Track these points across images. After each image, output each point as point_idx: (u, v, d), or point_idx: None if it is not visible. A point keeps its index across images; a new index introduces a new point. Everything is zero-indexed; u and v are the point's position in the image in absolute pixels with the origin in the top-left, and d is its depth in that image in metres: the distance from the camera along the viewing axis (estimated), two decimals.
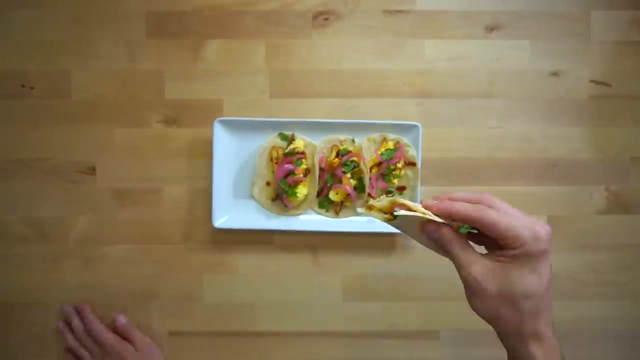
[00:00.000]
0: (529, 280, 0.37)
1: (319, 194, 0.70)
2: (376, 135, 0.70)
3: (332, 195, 0.69)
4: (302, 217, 0.71)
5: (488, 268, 0.39)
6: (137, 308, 0.72)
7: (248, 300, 0.72)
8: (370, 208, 0.43)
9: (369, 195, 0.69)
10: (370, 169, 0.69)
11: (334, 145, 0.70)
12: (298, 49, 0.72)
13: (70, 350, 0.70)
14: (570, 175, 0.72)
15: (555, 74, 0.72)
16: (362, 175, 0.68)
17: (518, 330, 0.38)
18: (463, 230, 0.43)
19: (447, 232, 0.41)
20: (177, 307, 0.72)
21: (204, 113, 0.71)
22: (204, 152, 0.71)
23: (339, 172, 0.68)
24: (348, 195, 0.68)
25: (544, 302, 0.38)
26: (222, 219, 0.69)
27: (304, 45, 0.72)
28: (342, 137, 0.70)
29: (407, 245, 0.72)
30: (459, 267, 0.40)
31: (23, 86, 0.71)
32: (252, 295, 0.72)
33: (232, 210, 0.71)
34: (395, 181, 0.69)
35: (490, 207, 0.39)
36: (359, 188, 0.68)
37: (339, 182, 0.69)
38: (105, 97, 0.71)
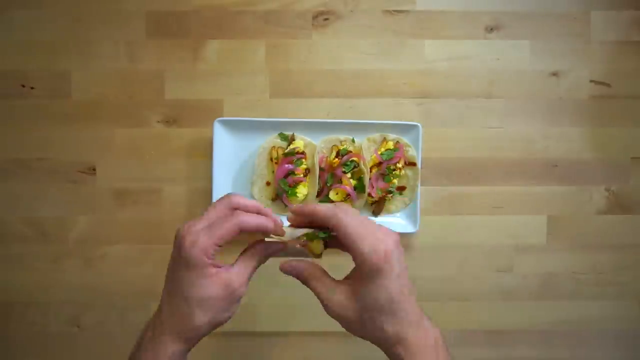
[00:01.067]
0: (376, 296, 0.39)
1: (318, 194, 0.70)
2: (376, 135, 0.70)
3: (332, 195, 0.69)
4: None
5: (345, 295, 0.41)
6: (137, 308, 0.72)
7: (248, 300, 0.72)
8: None
9: (369, 195, 0.69)
10: (370, 169, 0.69)
11: (334, 145, 0.70)
12: (298, 49, 0.72)
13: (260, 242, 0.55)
14: (570, 175, 0.72)
15: (555, 74, 0.72)
16: (362, 175, 0.68)
17: (384, 338, 0.40)
18: (321, 235, 0.44)
19: (302, 269, 0.44)
20: None
21: (204, 113, 0.71)
22: (204, 152, 0.71)
23: (339, 172, 0.68)
24: (348, 195, 0.68)
25: (396, 307, 0.39)
26: None
27: (304, 45, 0.72)
28: (342, 137, 0.70)
29: (407, 245, 0.72)
30: (320, 300, 0.43)
31: (23, 86, 0.71)
32: (252, 295, 0.72)
33: None
34: (395, 181, 0.69)
35: (347, 213, 0.40)
36: (359, 188, 0.68)
37: (339, 182, 0.69)
38: (105, 97, 0.71)
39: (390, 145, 0.69)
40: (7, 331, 0.72)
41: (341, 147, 0.69)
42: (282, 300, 0.72)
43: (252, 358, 0.72)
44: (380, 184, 0.69)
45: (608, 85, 0.72)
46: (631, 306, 0.73)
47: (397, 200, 0.70)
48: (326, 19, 0.72)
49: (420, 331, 0.41)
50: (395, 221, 0.70)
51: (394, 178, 0.68)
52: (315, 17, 0.72)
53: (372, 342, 0.42)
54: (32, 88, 0.71)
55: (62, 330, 0.72)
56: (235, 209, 0.42)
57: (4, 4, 0.71)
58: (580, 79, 0.72)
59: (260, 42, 0.72)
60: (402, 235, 0.71)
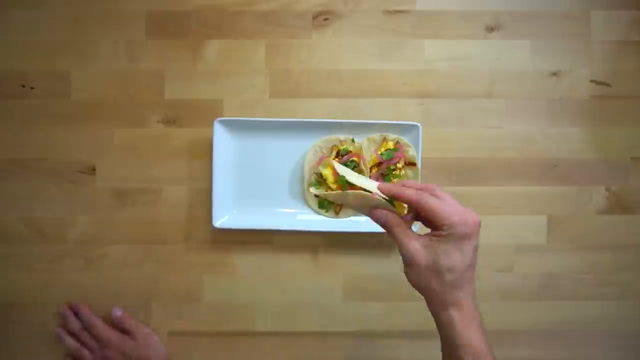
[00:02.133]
0: (452, 256, 0.44)
1: None
2: (376, 135, 0.70)
3: None
4: (302, 217, 0.71)
5: (422, 245, 0.45)
6: (137, 308, 0.72)
7: (248, 300, 0.72)
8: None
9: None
10: (370, 169, 0.69)
11: (334, 145, 0.70)
12: (298, 49, 0.72)
13: (69, 356, 0.70)
14: (570, 176, 0.72)
15: (555, 74, 0.72)
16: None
17: (442, 297, 0.45)
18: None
19: (390, 217, 0.47)
20: (177, 307, 0.72)
21: (204, 113, 0.71)
22: (204, 152, 0.71)
23: None
24: None
25: (465, 275, 0.45)
26: (222, 219, 0.69)
27: (304, 45, 0.72)
28: (342, 137, 0.70)
29: None
30: (398, 245, 0.46)
31: (23, 86, 0.71)
32: (252, 295, 0.72)
33: (232, 210, 0.71)
34: (395, 181, 0.69)
35: (433, 195, 0.45)
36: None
37: None
38: (105, 97, 0.71)
39: (390, 145, 0.69)
40: (7, 331, 0.72)
41: (341, 147, 0.69)
42: (282, 300, 0.72)
43: (252, 358, 0.72)
44: None
45: (608, 85, 0.72)
46: (632, 306, 0.73)
47: None
48: (326, 19, 0.72)
49: (473, 304, 0.45)
50: None
51: (394, 178, 0.68)
52: (315, 17, 0.72)
53: (425, 294, 0.46)
54: (32, 88, 0.71)
55: None
56: None
57: (4, 4, 0.71)
58: (580, 79, 0.72)
59: (260, 42, 0.72)
60: None
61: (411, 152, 0.69)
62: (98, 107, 0.71)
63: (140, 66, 0.71)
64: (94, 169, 0.72)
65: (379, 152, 0.69)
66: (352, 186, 0.50)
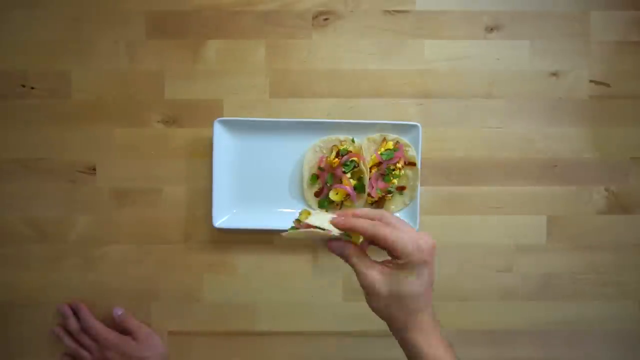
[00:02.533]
0: (411, 284, 0.45)
1: (318, 193, 0.70)
2: (376, 135, 0.70)
3: (332, 195, 0.69)
4: None
5: (381, 273, 0.46)
6: (137, 308, 0.72)
7: (248, 300, 0.72)
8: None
9: (369, 195, 0.69)
10: (370, 169, 0.69)
11: (334, 145, 0.70)
12: (298, 49, 0.72)
13: (68, 355, 0.70)
14: (570, 175, 0.72)
15: (555, 74, 0.72)
16: (362, 175, 0.68)
17: (403, 322, 0.47)
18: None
19: (346, 248, 0.48)
20: (177, 307, 0.72)
21: (204, 113, 0.71)
22: (204, 152, 0.71)
23: (338, 172, 0.68)
24: (348, 195, 0.68)
25: (424, 298, 0.46)
26: (222, 219, 0.69)
27: (304, 45, 0.72)
28: (342, 137, 0.70)
29: None
30: (358, 275, 0.47)
31: (23, 86, 0.71)
32: (252, 295, 0.72)
33: (232, 210, 0.71)
34: (395, 181, 0.69)
35: (386, 224, 0.46)
36: (359, 188, 0.68)
37: (339, 182, 0.69)
38: (105, 97, 0.71)
39: (390, 145, 0.69)
40: (7, 331, 0.72)
41: (341, 147, 0.69)
42: (282, 300, 0.72)
43: (252, 358, 0.72)
44: (380, 184, 0.69)
45: (608, 85, 0.72)
46: (631, 306, 0.73)
47: (397, 200, 0.70)
48: (326, 19, 0.72)
49: (432, 319, 0.47)
50: None
51: (393, 178, 0.68)
52: (315, 17, 0.72)
53: (387, 321, 0.48)
54: (32, 88, 0.71)
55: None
56: None
57: (4, 4, 0.71)
58: (580, 79, 0.72)
59: (260, 42, 0.72)
60: None
61: (411, 152, 0.69)
62: (98, 107, 0.71)
63: (140, 66, 0.71)
64: (94, 169, 0.72)
65: (379, 152, 0.69)
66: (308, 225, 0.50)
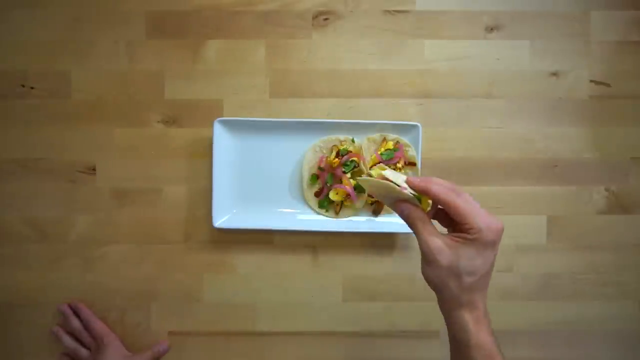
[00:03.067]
0: (475, 261, 0.44)
1: (318, 193, 0.70)
2: (376, 135, 0.70)
3: (332, 195, 0.69)
4: (302, 217, 0.71)
5: (444, 244, 0.45)
6: (137, 308, 0.72)
7: (248, 300, 0.72)
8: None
9: (369, 195, 0.69)
10: (370, 168, 0.69)
11: (334, 145, 0.70)
12: (298, 49, 0.72)
13: (66, 354, 0.70)
14: (570, 175, 0.72)
15: (555, 74, 0.72)
16: (362, 175, 0.68)
17: (457, 298, 0.45)
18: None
19: (415, 211, 0.47)
20: (177, 307, 0.72)
21: (204, 113, 0.71)
22: (204, 152, 0.71)
23: (338, 172, 0.68)
24: (348, 195, 0.68)
25: (483, 280, 0.45)
26: (222, 219, 0.69)
27: (304, 45, 0.72)
28: (342, 137, 0.70)
29: (407, 245, 0.72)
30: (420, 239, 0.46)
31: (23, 86, 0.71)
32: (252, 295, 0.72)
33: (232, 210, 0.71)
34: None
35: (459, 195, 0.45)
36: (359, 188, 0.68)
37: (339, 182, 0.69)
38: (105, 97, 0.71)
39: (390, 145, 0.69)
40: (7, 331, 0.72)
41: (341, 147, 0.69)
42: (282, 300, 0.72)
43: (252, 358, 0.72)
44: None
45: (608, 85, 0.72)
46: (631, 306, 0.73)
47: None
48: (326, 19, 0.72)
49: (485, 306, 0.46)
50: (395, 221, 0.70)
51: None
52: (315, 17, 0.72)
53: (439, 292, 0.46)
54: (32, 88, 0.71)
55: None
56: None
57: (4, 4, 0.71)
58: (580, 79, 0.72)
59: (260, 42, 0.72)
60: (402, 235, 0.72)
61: (411, 152, 0.69)
62: (98, 107, 0.71)
63: (140, 66, 0.71)
64: (94, 169, 0.72)
65: (379, 152, 0.69)
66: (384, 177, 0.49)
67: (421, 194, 0.47)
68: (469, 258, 0.44)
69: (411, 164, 0.69)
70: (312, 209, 0.71)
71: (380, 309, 0.72)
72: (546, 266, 0.73)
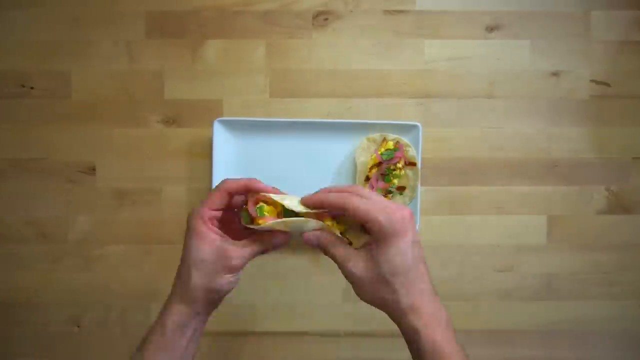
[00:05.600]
0: (392, 260, 0.40)
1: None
2: (376, 135, 0.70)
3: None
4: None
5: (361, 259, 0.42)
6: (137, 308, 0.72)
7: (248, 300, 0.72)
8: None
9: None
10: (370, 169, 0.69)
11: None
12: (298, 48, 0.72)
13: None
14: (570, 175, 0.72)
15: (555, 74, 0.72)
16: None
17: (396, 306, 0.41)
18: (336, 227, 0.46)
19: (322, 237, 0.45)
20: None
21: (204, 113, 0.71)
22: (204, 152, 0.71)
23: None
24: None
25: (412, 275, 0.41)
26: None
27: (304, 45, 0.72)
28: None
29: None
30: (339, 265, 0.44)
31: (23, 86, 0.71)
32: (252, 295, 0.72)
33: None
34: (396, 181, 0.69)
35: (357, 195, 0.42)
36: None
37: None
38: (105, 97, 0.71)
39: (390, 145, 0.69)
40: (7, 331, 0.72)
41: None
42: (282, 300, 0.72)
43: (252, 358, 0.72)
44: (380, 184, 0.69)
45: (608, 85, 0.72)
46: (632, 306, 0.73)
47: (397, 201, 0.70)
48: (326, 19, 0.72)
49: (434, 303, 0.42)
50: None
51: (394, 178, 0.68)
52: (315, 17, 0.72)
53: (382, 309, 0.43)
54: (32, 88, 0.71)
55: (62, 330, 0.72)
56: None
57: (4, 4, 0.71)
58: (580, 79, 0.72)
59: (260, 42, 0.71)
60: None
61: (411, 152, 0.69)
62: (98, 107, 0.71)
63: (140, 66, 0.71)
64: (93, 169, 0.72)
65: (379, 152, 0.69)
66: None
67: (317, 208, 0.44)
68: (385, 260, 0.40)
69: (411, 164, 0.69)
70: None
71: None
72: (546, 266, 0.72)
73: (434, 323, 0.41)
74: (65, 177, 0.71)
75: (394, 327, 0.74)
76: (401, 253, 0.40)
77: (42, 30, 0.71)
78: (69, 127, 0.71)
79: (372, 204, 0.41)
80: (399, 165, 0.68)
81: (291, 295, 0.72)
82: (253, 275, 0.72)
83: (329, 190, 0.44)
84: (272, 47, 0.72)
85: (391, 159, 0.68)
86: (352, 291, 0.72)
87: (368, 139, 0.70)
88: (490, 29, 0.72)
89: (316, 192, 0.44)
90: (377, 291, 0.42)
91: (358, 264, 0.42)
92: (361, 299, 0.44)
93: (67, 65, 0.71)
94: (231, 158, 0.70)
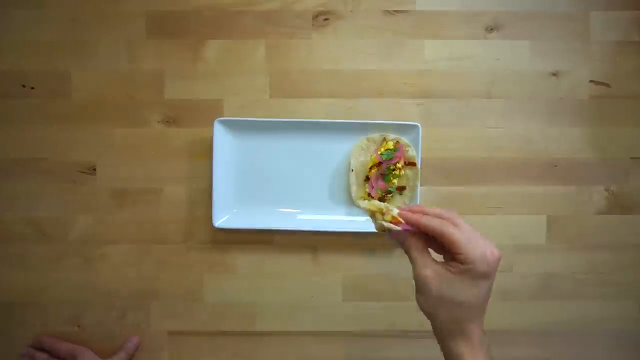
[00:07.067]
0: (467, 292, 0.43)
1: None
2: (376, 135, 0.70)
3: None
4: (302, 217, 0.71)
5: (437, 273, 0.44)
6: (137, 308, 0.72)
7: (248, 300, 0.72)
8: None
9: (369, 195, 0.69)
10: (370, 169, 0.69)
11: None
12: (298, 49, 0.72)
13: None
14: (570, 175, 0.73)
15: (555, 74, 0.72)
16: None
17: (448, 327, 0.44)
18: None
19: (409, 238, 0.47)
20: (177, 307, 0.72)
21: (204, 113, 0.71)
22: (204, 152, 0.71)
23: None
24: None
25: (476, 311, 0.44)
26: (222, 219, 0.69)
27: (304, 45, 0.72)
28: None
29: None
30: (414, 267, 0.46)
31: (23, 86, 0.71)
32: (252, 295, 0.72)
33: (232, 210, 0.71)
34: (395, 181, 0.69)
35: (454, 225, 0.44)
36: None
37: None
38: (105, 97, 0.71)
39: (390, 145, 0.69)
40: (7, 331, 0.72)
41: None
42: (282, 300, 0.72)
43: (252, 358, 0.72)
44: (380, 184, 0.69)
45: (608, 85, 0.72)
46: (631, 306, 0.73)
47: (397, 201, 0.70)
48: (326, 19, 0.72)
49: (481, 332, 0.45)
50: None
51: (394, 178, 0.68)
52: (315, 17, 0.72)
53: (432, 320, 0.46)
54: (32, 88, 0.71)
55: (62, 330, 0.72)
56: None
57: (4, 4, 0.71)
58: (580, 79, 0.72)
59: (260, 42, 0.72)
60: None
61: (411, 152, 0.69)
62: (98, 107, 0.71)
63: (140, 66, 0.71)
64: (94, 169, 0.72)
65: (379, 152, 0.69)
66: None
67: (414, 227, 0.46)
68: (460, 289, 0.43)
69: (411, 164, 0.69)
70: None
71: (380, 309, 0.72)
72: (546, 266, 0.73)
73: (479, 351, 0.44)
74: (65, 177, 0.71)
75: (393, 327, 0.75)
76: (477, 290, 0.43)
77: (43, 30, 0.71)
78: (69, 127, 0.71)
79: (471, 239, 0.43)
80: (399, 165, 0.69)
81: (291, 295, 0.72)
82: (253, 275, 0.72)
83: (423, 212, 0.46)
84: (272, 48, 0.72)
85: (391, 159, 0.68)
86: (352, 291, 0.72)
87: (368, 139, 0.70)
88: (490, 29, 0.72)
89: (415, 212, 0.46)
90: (436, 306, 0.44)
91: (434, 277, 0.44)
92: (418, 304, 0.46)
93: (67, 65, 0.71)
94: (231, 158, 0.70)
